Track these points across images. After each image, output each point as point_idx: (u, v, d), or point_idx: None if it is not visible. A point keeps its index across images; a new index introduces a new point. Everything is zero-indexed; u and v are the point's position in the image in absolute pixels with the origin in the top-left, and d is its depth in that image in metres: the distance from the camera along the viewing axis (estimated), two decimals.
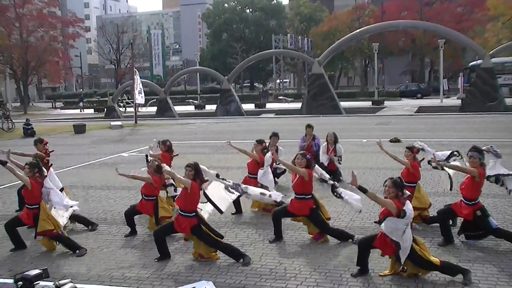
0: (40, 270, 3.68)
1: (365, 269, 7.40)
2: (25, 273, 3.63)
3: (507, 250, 8.15)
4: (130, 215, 9.87)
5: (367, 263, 7.43)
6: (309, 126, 14.63)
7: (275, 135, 13.02)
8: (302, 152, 9.31)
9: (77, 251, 8.79)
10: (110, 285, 7.38)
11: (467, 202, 8.45)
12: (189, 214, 8.06)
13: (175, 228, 8.25)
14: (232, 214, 10.85)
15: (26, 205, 8.99)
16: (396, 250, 6.99)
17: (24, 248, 9.18)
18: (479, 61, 42.02)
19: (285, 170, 13.38)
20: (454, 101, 48.77)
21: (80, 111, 62.88)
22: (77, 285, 6.40)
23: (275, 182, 12.60)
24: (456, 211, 8.67)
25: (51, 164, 11.42)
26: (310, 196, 8.89)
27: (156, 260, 8.26)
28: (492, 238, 8.66)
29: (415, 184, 9.64)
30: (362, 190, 7.23)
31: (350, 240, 8.85)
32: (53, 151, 12.41)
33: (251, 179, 10.99)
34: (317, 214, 8.85)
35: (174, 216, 8.66)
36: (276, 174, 13.12)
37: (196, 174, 8.14)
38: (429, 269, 7.10)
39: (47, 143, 12.05)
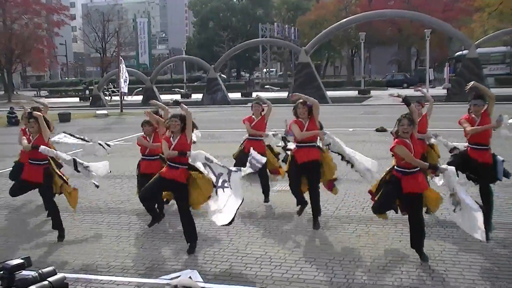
0: (22, 259, 3.61)
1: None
2: (6, 262, 3.56)
3: (492, 238, 8.19)
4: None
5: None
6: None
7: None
8: (301, 101, 8.97)
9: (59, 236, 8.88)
10: (95, 275, 7.33)
11: (481, 146, 8.47)
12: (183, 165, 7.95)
13: (167, 178, 7.95)
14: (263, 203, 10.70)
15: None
16: None
17: None
18: (465, 51, 42.19)
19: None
20: (440, 90, 48.90)
21: (85, 100, 59.80)
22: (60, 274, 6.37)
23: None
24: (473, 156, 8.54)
25: None
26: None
27: (148, 226, 8.56)
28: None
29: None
30: (407, 101, 7.39)
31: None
32: None
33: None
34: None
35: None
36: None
37: (183, 126, 7.99)
38: None
39: None
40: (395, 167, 7.41)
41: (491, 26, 63.43)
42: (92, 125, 29.65)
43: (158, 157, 9.61)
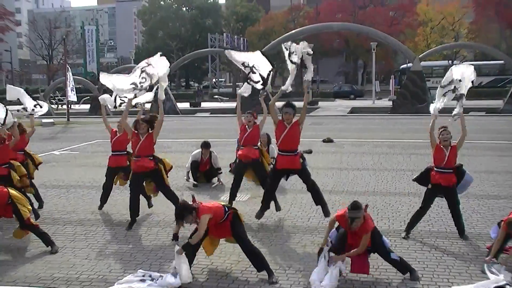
0: None
1: None
2: None
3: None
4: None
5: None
6: None
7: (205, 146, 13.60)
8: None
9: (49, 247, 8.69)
10: (38, 287, 7.21)
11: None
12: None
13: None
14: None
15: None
16: None
17: None
18: (409, 64, 43.28)
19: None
20: (386, 102, 49.94)
21: (57, 107, 54.54)
22: None
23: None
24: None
25: None
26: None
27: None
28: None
29: None
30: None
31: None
32: None
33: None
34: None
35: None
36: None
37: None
38: None
39: None
40: None
41: (434, 40, 65.47)
42: (38, 133, 28.91)
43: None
